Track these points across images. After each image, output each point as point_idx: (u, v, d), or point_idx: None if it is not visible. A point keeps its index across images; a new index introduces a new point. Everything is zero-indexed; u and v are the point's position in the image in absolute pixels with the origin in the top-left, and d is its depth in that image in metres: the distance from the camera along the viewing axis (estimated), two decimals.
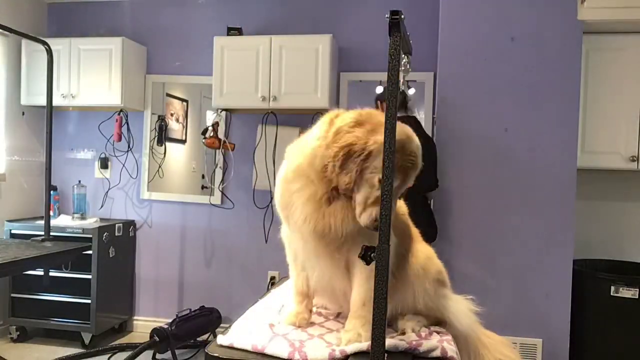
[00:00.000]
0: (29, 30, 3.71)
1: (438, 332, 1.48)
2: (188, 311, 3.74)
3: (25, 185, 4.20)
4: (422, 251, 1.55)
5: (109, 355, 3.65)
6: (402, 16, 1.11)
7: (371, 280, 1.29)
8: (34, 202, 4.24)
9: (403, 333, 1.45)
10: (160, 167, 4.22)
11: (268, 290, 1.97)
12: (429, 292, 1.50)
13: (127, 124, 4.18)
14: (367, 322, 1.33)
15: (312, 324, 1.52)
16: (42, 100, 3.39)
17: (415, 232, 1.62)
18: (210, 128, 3.93)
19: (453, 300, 1.58)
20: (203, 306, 3.88)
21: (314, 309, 1.61)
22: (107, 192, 4.29)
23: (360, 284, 1.38)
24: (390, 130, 1.12)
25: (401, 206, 1.53)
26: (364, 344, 1.28)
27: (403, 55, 1.38)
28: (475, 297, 1.65)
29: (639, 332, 2.97)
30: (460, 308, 1.58)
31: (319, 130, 1.35)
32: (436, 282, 1.53)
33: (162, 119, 4.19)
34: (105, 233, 3.87)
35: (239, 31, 3.92)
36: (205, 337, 3.83)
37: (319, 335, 1.43)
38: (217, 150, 4.08)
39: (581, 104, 3.05)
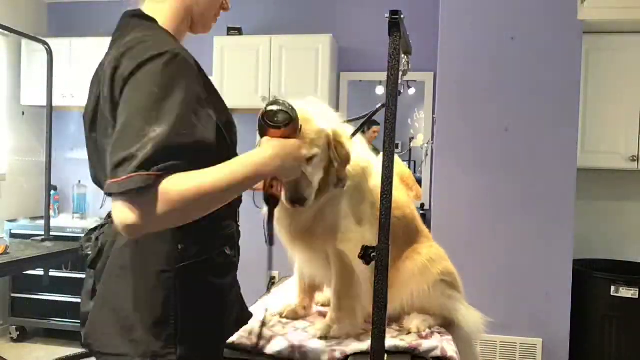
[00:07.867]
0: (29, 30, 3.71)
1: (439, 332, 1.48)
2: None
3: (25, 185, 4.20)
4: (425, 252, 1.54)
5: None
6: (402, 16, 1.11)
7: (344, 274, 1.37)
8: (34, 202, 4.24)
9: (408, 332, 1.45)
10: None
11: (268, 290, 1.97)
12: (430, 293, 1.49)
13: None
14: (343, 313, 1.38)
15: (312, 323, 1.52)
16: (42, 100, 3.39)
17: (424, 232, 1.61)
18: None
19: (464, 305, 1.58)
20: None
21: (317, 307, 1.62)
22: None
23: (335, 277, 1.41)
24: (389, 130, 1.12)
25: (401, 206, 1.52)
26: (364, 344, 1.28)
27: (403, 55, 1.38)
28: (475, 297, 1.65)
29: (639, 332, 2.97)
30: (471, 312, 1.59)
31: None
32: (441, 282, 1.52)
33: None
34: None
35: (239, 31, 3.92)
36: None
37: None
38: None
39: (581, 104, 3.04)
